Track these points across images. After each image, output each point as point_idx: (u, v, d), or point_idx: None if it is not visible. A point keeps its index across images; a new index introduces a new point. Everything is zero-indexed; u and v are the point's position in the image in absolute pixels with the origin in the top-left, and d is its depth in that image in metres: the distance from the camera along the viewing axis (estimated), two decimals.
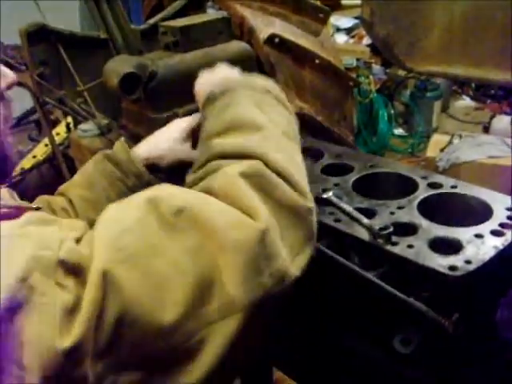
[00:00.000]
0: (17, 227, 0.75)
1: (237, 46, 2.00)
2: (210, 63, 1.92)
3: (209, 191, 0.89)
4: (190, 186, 0.95)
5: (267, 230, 0.83)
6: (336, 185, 1.39)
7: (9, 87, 0.95)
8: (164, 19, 2.24)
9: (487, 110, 5.30)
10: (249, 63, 1.95)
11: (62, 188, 1.38)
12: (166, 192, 0.87)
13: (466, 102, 5.64)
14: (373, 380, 1.26)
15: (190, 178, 1.01)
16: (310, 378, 1.47)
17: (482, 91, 5.55)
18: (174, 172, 1.38)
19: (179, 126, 1.41)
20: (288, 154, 1.00)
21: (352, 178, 1.42)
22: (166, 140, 1.38)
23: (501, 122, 4.65)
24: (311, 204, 0.96)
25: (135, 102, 1.79)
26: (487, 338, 1.11)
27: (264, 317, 0.88)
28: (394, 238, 1.14)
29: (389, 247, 1.13)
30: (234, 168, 0.91)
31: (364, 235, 1.18)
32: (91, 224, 1.26)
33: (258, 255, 0.82)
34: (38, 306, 0.68)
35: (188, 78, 1.87)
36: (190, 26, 1.91)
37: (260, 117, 1.04)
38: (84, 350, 0.69)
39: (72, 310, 0.69)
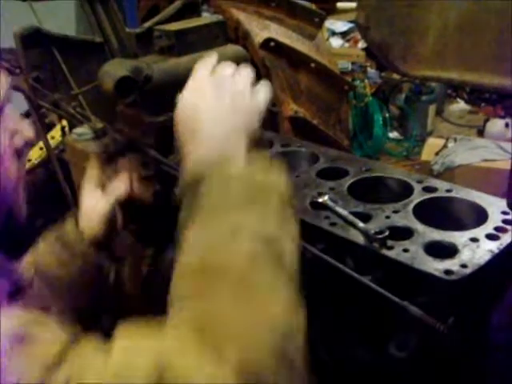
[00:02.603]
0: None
1: (232, 49, 2.00)
2: None
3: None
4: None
5: None
6: (331, 189, 1.39)
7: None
8: (159, 23, 2.24)
9: (481, 113, 5.33)
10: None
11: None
12: (174, 361, 0.69)
13: (460, 105, 5.66)
14: None
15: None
16: None
17: (477, 94, 5.57)
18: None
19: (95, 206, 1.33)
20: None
21: (347, 181, 1.42)
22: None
23: (495, 125, 4.67)
24: None
25: (130, 106, 1.78)
26: (482, 342, 1.11)
27: None
28: (390, 242, 1.14)
29: (384, 251, 1.13)
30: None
31: (359, 239, 1.18)
32: None
33: None
34: None
35: (183, 81, 1.87)
36: (185, 30, 1.91)
37: (240, 262, 0.77)
38: None
39: None
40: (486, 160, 3.60)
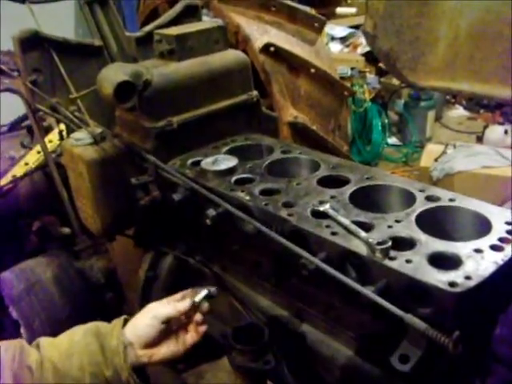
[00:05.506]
0: None
1: (232, 54, 1.99)
2: (205, 72, 1.91)
3: None
4: None
5: None
6: (332, 197, 1.37)
7: None
8: (159, 27, 2.22)
9: (480, 119, 5.33)
10: (244, 72, 1.93)
11: (41, 341, 1.29)
12: None
13: (459, 111, 5.67)
14: None
15: None
16: None
17: (475, 101, 5.57)
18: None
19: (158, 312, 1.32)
20: None
21: (349, 190, 1.40)
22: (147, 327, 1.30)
23: (494, 131, 4.67)
24: None
25: (129, 111, 1.76)
26: (486, 354, 1.10)
27: None
28: (392, 253, 1.12)
29: (387, 262, 1.11)
30: None
31: (361, 249, 1.16)
32: None
33: None
34: None
35: (183, 86, 1.86)
36: (186, 35, 1.89)
37: None
38: None
39: None
40: (485, 166, 3.59)
